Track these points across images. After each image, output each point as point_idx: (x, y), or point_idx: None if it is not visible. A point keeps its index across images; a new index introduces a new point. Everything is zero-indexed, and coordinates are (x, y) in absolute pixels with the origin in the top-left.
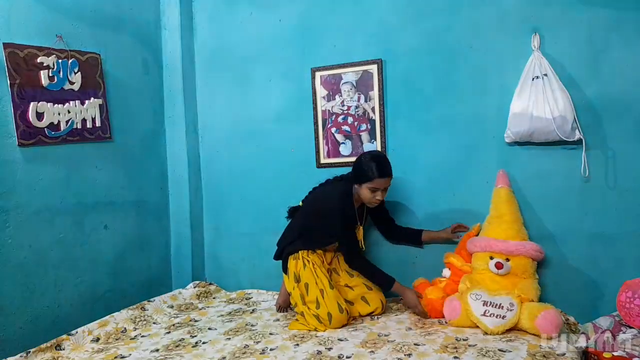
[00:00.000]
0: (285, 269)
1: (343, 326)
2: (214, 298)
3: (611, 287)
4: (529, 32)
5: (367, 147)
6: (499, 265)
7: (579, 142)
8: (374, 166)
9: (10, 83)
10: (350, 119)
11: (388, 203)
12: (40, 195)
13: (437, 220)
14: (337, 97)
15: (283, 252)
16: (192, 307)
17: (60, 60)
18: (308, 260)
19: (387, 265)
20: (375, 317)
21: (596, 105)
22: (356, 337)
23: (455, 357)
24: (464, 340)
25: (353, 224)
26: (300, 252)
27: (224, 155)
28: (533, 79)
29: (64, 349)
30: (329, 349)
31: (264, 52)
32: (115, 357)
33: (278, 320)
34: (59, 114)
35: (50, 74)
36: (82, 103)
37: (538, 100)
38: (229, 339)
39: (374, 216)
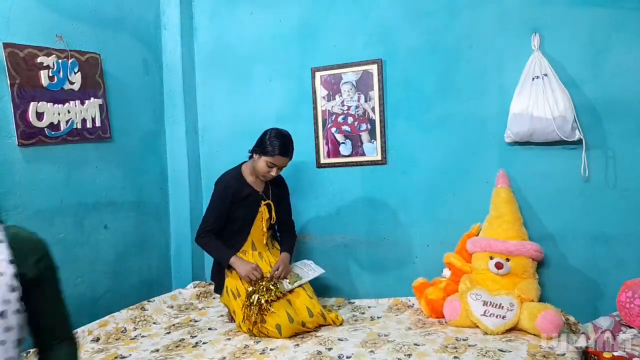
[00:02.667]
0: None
1: (296, 335)
2: (213, 298)
3: (611, 287)
4: (529, 32)
5: (367, 147)
6: (499, 265)
7: (579, 142)
8: (278, 143)
9: (10, 83)
10: (350, 119)
11: (387, 205)
12: (40, 195)
13: (437, 220)
14: (337, 97)
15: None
16: (192, 307)
17: (60, 60)
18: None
19: (387, 264)
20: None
21: (596, 105)
22: (356, 337)
23: (455, 357)
24: (464, 340)
25: (249, 196)
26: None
27: (224, 155)
28: (533, 79)
29: None
30: (329, 349)
31: (264, 52)
32: (116, 357)
33: None
34: (58, 114)
35: (50, 74)
36: (82, 103)
37: (538, 100)
38: (229, 339)
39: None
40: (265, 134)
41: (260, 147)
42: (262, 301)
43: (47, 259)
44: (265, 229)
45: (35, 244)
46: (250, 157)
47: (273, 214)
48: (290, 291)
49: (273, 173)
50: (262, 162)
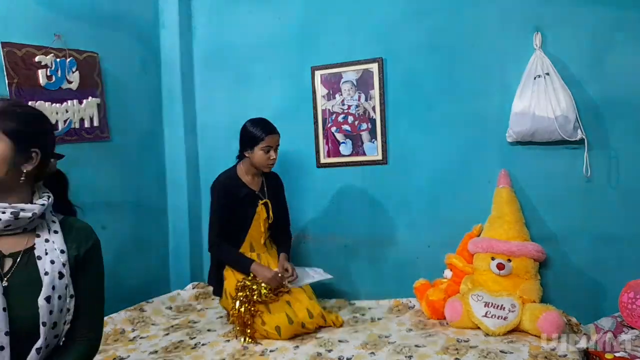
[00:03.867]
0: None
1: (296, 337)
2: (212, 299)
3: (613, 287)
4: (531, 30)
5: (368, 146)
6: (500, 266)
7: (581, 141)
8: (260, 126)
9: (8, 82)
10: (350, 118)
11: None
12: None
13: (438, 221)
14: (337, 96)
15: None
16: (191, 308)
17: (58, 60)
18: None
19: (388, 265)
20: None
21: (598, 105)
22: (356, 339)
23: (456, 359)
24: (465, 341)
25: (245, 196)
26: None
27: (222, 155)
28: (535, 78)
29: None
30: (329, 350)
31: (263, 51)
32: (114, 359)
33: None
34: (57, 113)
35: (48, 73)
36: (80, 102)
37: (540, 100)
38: (228, 340)
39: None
40: (243, 130)
41: (248, 142)
42: (262, 291)
43: (95, 248)
44: (263, 229)
45: (88, 233)
46: (240, 159)
47: (271, 213)
48: (289, 291)
49: (273, 156)
50: (258, 152)
